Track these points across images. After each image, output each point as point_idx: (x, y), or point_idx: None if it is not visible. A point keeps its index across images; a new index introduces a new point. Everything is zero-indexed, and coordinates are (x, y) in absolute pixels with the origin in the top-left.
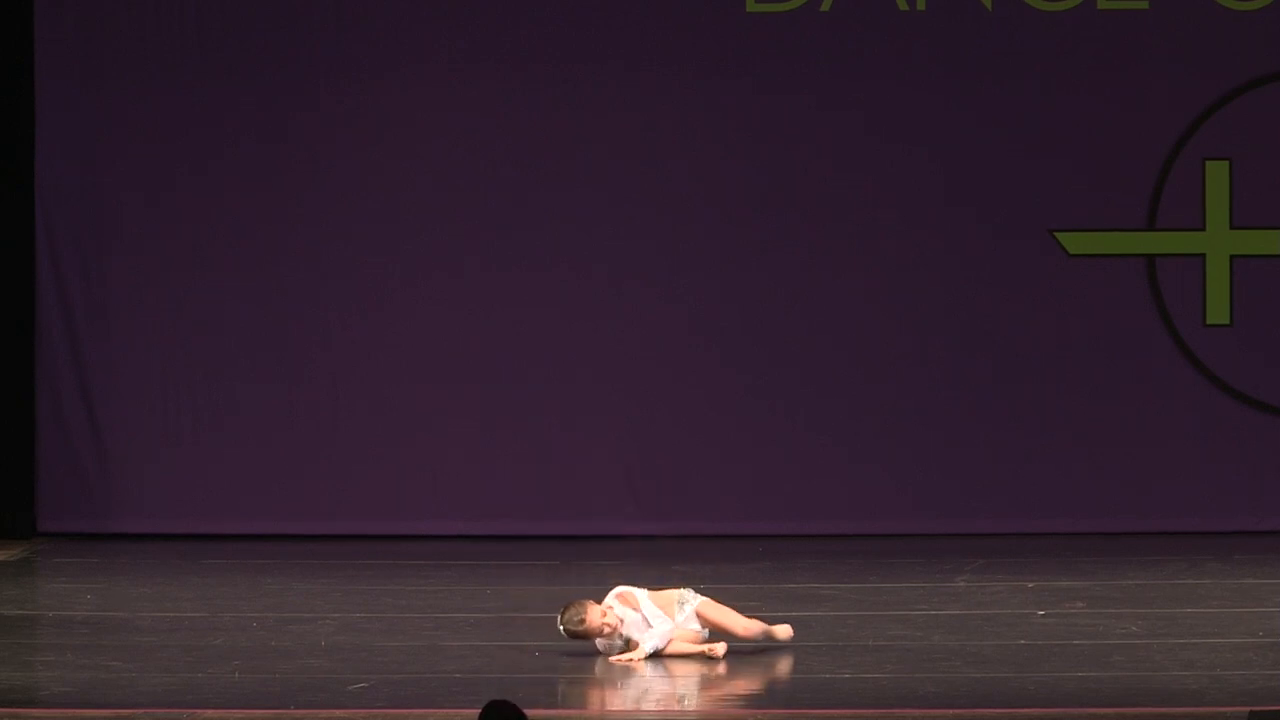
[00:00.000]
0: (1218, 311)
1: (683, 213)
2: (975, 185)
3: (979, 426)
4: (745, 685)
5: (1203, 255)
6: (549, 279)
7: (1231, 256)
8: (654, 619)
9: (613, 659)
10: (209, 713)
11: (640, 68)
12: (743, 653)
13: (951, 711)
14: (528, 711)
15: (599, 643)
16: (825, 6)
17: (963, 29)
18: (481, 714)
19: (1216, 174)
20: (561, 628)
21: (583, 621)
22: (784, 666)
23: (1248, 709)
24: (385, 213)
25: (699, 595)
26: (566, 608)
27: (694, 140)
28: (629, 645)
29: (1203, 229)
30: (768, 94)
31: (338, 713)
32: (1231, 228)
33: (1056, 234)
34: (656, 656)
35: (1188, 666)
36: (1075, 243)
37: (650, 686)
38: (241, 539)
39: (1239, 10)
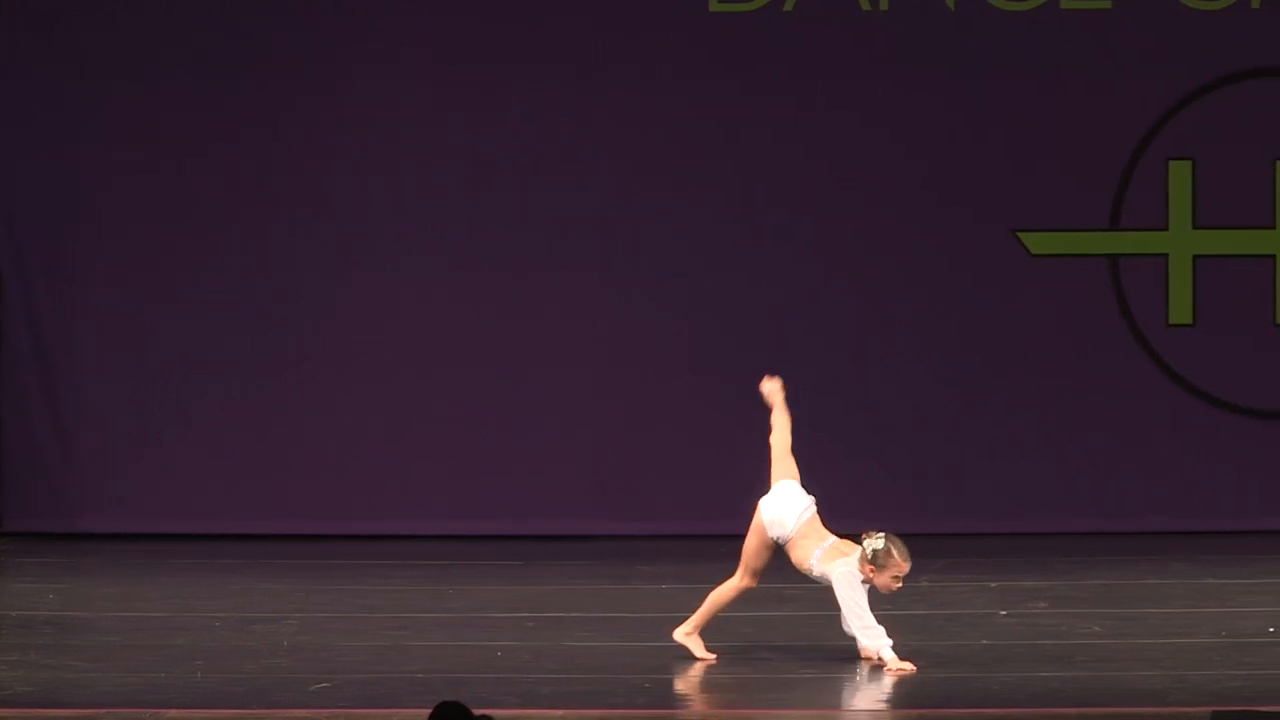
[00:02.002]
0: (1180, 311)
1: (651, 213)
2: (938, 185)
3: (940, 427)
4: (709, 684)
5: (1166, 255)
6: (516, 281)
7: (1195, 256)
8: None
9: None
10: (172, 713)
11: (602, 68)
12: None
13: (915, 711)
14: (490, 711)
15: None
16: (788, 6)
17: (925, 29)
18: (431, 715)
19: (1180, 174)
20: (895, 549)
21: (900, 565)
22: (748, 666)
23: (1210, 709)
24: (355, 214)
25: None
26: (903, 544)
27: (659, 140)
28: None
29: (1166, 229)
30: (730, 94)
31: (300, 712)
32: (1195, 228)
33: (1019, 234)
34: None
35: (1151, 666)
36: (1038, 243)
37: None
38: (205, 539)
39: (1202, 10)
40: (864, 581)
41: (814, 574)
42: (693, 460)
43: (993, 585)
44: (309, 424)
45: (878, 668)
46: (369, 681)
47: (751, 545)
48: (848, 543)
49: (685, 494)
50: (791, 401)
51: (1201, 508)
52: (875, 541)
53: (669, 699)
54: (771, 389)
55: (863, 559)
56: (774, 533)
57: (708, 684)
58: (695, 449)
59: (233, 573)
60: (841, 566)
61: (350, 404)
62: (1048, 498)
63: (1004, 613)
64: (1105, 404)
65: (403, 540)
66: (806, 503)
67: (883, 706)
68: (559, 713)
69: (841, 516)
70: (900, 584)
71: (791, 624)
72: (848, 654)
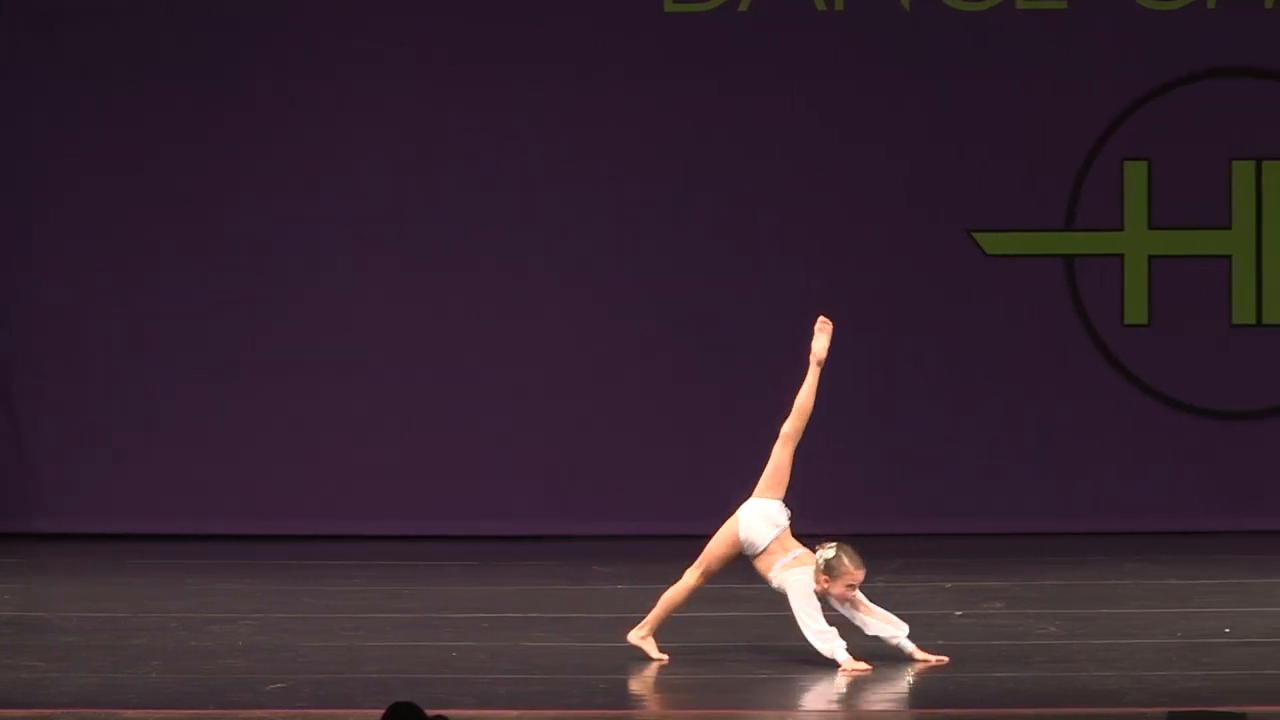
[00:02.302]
0: (1136, 312)
1: (609, 213)
2: (893, 185)
3: (895, 427)
4: (665, 684)
5: (1121, 255)
6: (471, 278)
7: (1150, 257)
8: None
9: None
10: (129, 713)
11: (557, 69)
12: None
13: (871, 712)
14: (446, 712)
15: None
16: (743, 7)
17: (881, 29)
18: (384, 716)
19: (1135, 174)
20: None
21: (852, 573)
22: (705, 666)
23: (1167, 709)
24: (311, 214)
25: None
26: (855, 552)
27: (614, 141)
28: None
29: (1121, 229)
30: (686, 95)
31: (257, 713)
32: (1150, 228)
33: (974, 234)
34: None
35: (1107, 667)
36: (993, 243)
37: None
38: (162, 539)
39: (1158, 10)
40: (819, 591)
41: (773, 585)
42: (648, 461)
43: (948, 586)
44: (266, 425)
45: (833, 668)
46: (325, 682)
47: (719, 550)
48: (810, 554)
49: (641, 495)
50: (747, 400)
51: (1157, 508)
52: (826, 552)
53: (625, 699)
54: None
55: (817, 570)
56: (746, 548)
57: (664, 684)
58: (651, 450)
59: (190, 573)
60: (795, 577)
61: (308, 405)
62: (1004, 498)
63: (960, 613)
64: (1061, 404)
65: (359, 541)
66: (783, 522)
67: (837, 707)
68: (515, 713)
69: (797, 517)
70: (855, 591)
71: (747, 624)
72: (803, 654)
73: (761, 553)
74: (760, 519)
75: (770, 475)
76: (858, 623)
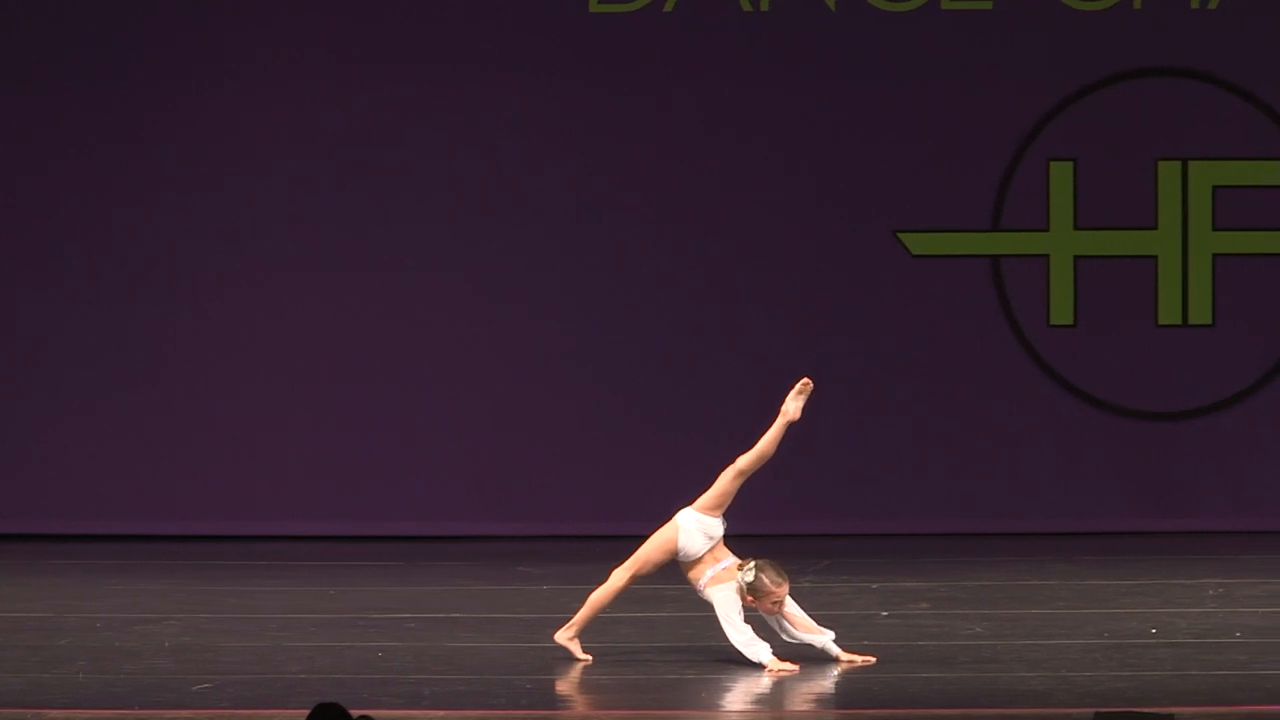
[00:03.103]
0: (1061, 312)
1: (529, 213)
2: (819, 185)
3: (821, 428)
4: (592, 685)
5: (1047, 256)
6: (393, 280)
7: (1076, 257)
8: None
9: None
10: (54, 713)
11: (480, 67)
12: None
13: (796, 712)
14: (371, 712)
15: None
16: (669, 7)
17: (807, 29)
18: (309, 716)
19: (1061, 175)
20: (766, 577)
21: (774, 590)
22: (631, 667)
23: (1093, 710)
24: (233, 213)
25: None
26: (777, 569)
27: (540, 141)
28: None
29: (1047, 230)
30: (612, 94)
31: (182, 713)
32: (1076, 228)
33: (900, 235)
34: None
35: (1033, 667)
36: (919, 243)
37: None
38: (87, 539)
39: (1084, 10)
40: (746, 606)
41: (701, 594)
42: (571, 461)
43: (874, 586)
44: (189, 425)
45: (759, 668)
46: (251, 682)
47: (653, 555)
48: (739, 566)
49: (564, 495)
50: (669, 401)
51: (1083, 509)
52: (746, 575)
53: (551, 700)
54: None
55: (740, 590)
56: (680, 555)
57: (590, 685)
58: (574, 450)
59: (114, 574)
60: (721, 593)
61: (231, 405)
62: (929, 498)
63: (885, 613)
64: (987, 405)
65: (284, 541)
66: (718, 535)
67: (762, 708)
68: (441, 714)
69: (734, 514)
70: (781, 605)
71: (672, 625)
72: (729, 655)
73: (694, 561)
74: (698, 531)
75: (714, 497)
76: (780, 631)
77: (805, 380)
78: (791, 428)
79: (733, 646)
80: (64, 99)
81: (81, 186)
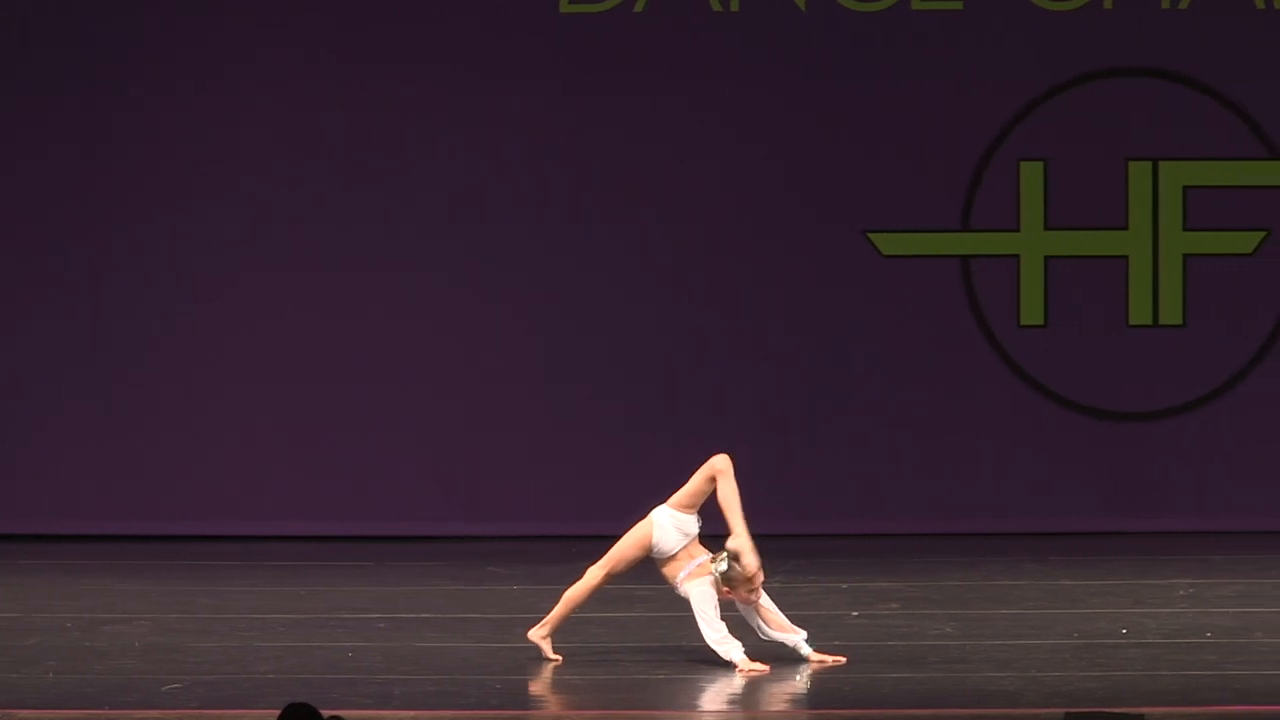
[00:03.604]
0: (1032, 312)
1: (502, 212)
2: (789, 185)
3: (792, 428)
4: (562, 685)
5: (1018, 256)
6: (368, 280)
7: (1046, 257)
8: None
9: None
10: (23, 713)
11: (451, 67)
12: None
13: (766, 712)
14: (341, 712)
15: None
16: (639, 7)
17: (776, 30)
18: (280, 717)
19: (1031, 175)
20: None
21: (748, 578)
22: (601, 667)
23: (1063, 710)
24: (207, 214)
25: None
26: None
27: (511, 141)
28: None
29: (1017, 230)
30: (582, 95)
31: (152, 713)
32: (1046, 229)
33: (870, 235)
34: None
35: (1003, 668)
36: (889, 243)
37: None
38: (56, 539)
39: (1054, 11)
40: (724, 599)
41: (678, 591)
42: (542, 461)
43: (844, 586)
44: (160, 425)
45: (730, 668)
46: (221, 682)
47: (628, 552)
48: (712, 559)
49: (535, 495)
50: (638, 400)
51: (1054, 509)
52: (720, 564)
53: (521, 700)
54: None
55: (716, 583)
56: (655, 553)
57: (561, 685)
58: (545, 450)
59: (84, 574)
60: (698, 588)
61: (201, 405)
62: (899, 498)
63: (855, 613)
64: (957, 405)
65: (254, 541)
66: (694, 531)
67: (734, 707)
68: (410, 714)
69: (703, 514)
70: (759, 593)
71: (642, 625)
72: (699, 655)
73: (669, 558)
74: (673, 527)
75: (687, 495)
76: (756, 629)
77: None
78: (761, 430)
79: (706, 645)
80: (39, 98)
81: (64, 188)
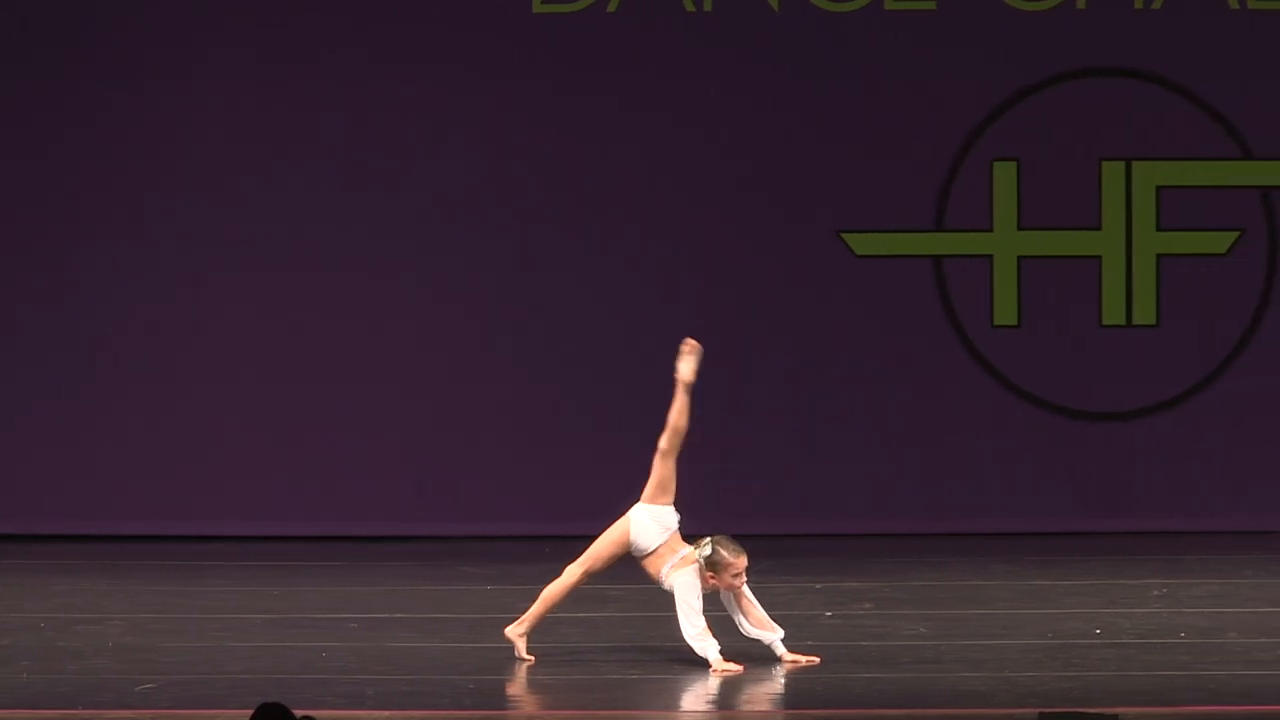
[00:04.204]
0: (1005, 313)
1: (473, 213)
2: (763, 185)
3: (765, 428)
4: (534, 685)
5: (991, 256)
6: (337, 280)
7: (1020, 258)
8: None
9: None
10: None
11: (424, 67)
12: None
13: (736, 713)
14: (313, 712)
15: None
16: (612, 7)
17: (750, 30)
18: (253, 716)
19: (1004, 175)
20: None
21: (733, 563)
22: (573, 667)
23: (1037, 710)
24: (177, 213)
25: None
26: (735, 542)
27: (482, 141)
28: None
29: (991, 230)
30: (555, 94)
31: (125, 713)
32: (1019, 229)
33: (843, 235)
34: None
35: (976, 668)
36: (862, 244)
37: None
38: (28, 539)
39: (1027, 11)
40: (709, 589)
41: (664, 586)
42: (514, 462)
43: (818, 586)
44: (132, 424)
45: (703, 668)
46: (194, 682)
47: (606, 550)
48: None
49: (508, 495)
50: (609, 401)
51: (1027, 509)
52: (703, 550)
53: (494, 700)
54: (689, 359)
55: (700, 570)
56: (635, 550)
57: (533, 685)
58: (516, 450)
59: (57, 574)
60: (682, 579)
61: (172, 405)
62: (872, 499)
63: (829, 614)
64: (930, 406)
65: (226, 541)
66: (673, 525)
67: (707, 708)
68: (383, 714)
69: None
70: (743, 579)
71: (614, 625)
72: (671, 655)
73: (651, 554)
74: (651, 521)
75: (655, 485)
76: (738, 624)
77: (689, 341)
78: (735, 430)
79: (683, 641)
80: (6, 95)
81: (31, 185)
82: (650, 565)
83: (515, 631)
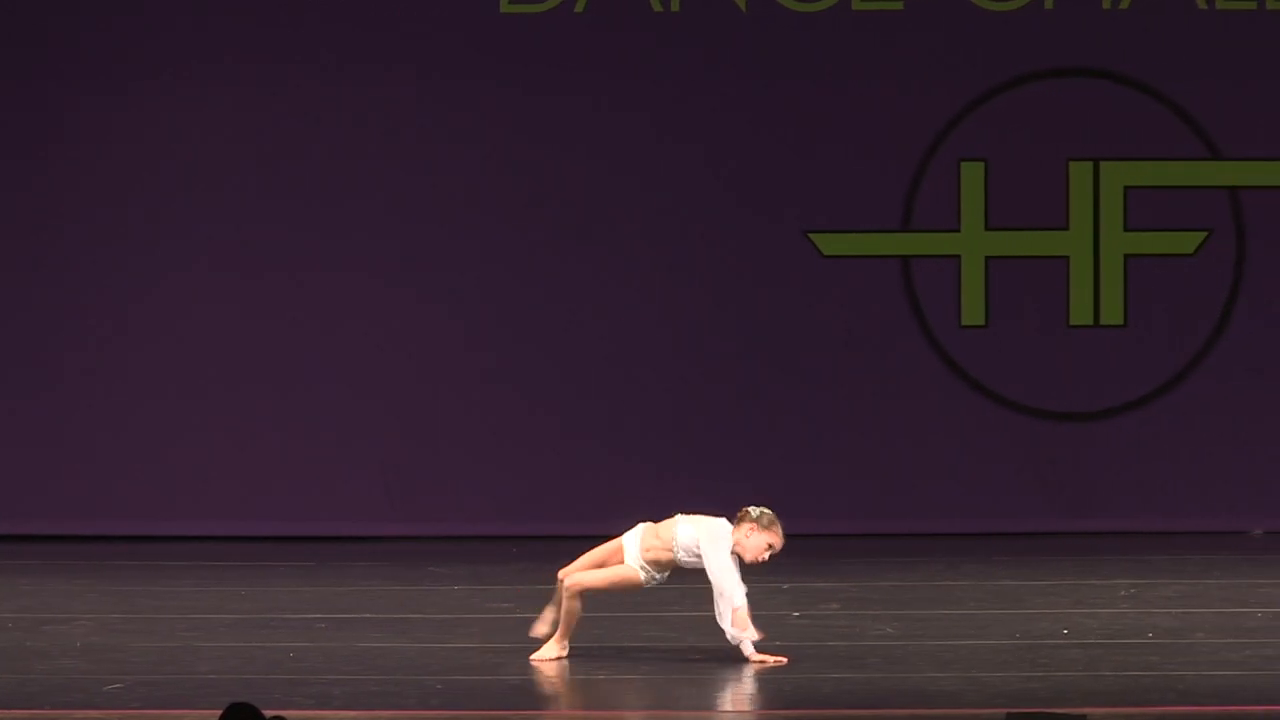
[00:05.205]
0: (973, 313)
1: (441, 214)
2: (729, 186)
3: (732, 428)
4: (502, 685)
5: (958, 256)
6: (304, 281)
7: (987, 258)
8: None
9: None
10: None
11: (391, 68)
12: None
13: (706, 713)
14: (283, 712)
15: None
16: (580, 8)
17: (718, 30)
18: (222, 716)
19: (972, 175)
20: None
21: (777, 535)
22: (546, 668)
23: (1005, 711)
24: (146, 216)
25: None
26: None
27: (451, 141)
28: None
29: (958, 230)
30: (523, 95)
31: (93, 713)
32: (987, 229)
33: (810, 235)
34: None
35: (944, 668)
36: (829, 244)
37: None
38: None
39: (994, 11)
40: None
41: (678, 557)
42: (481, 462)
43: (785, 587)
44: (99, 426)
45: (669, 666)
46: (162, 682)
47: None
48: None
49: (475, 496)
50: (576, 402)
51: (994, 509)
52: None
53: (461, 700)
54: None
55: (745, 518)
56: (646, 581)
57: (503, 686)
58: (483, 451)
59: (24, 573)
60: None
61: (140, 406)
62: (840, 499)
63: (797, 614)
64: (898, 406)
65: (194, 541)
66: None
67: (676, 708)
68: (351, 714)
69: (625, 519)
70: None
71: (585, 625)
72: (641, 655)
73: (650, 553)
74: (631, 558)
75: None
76: (717, 614)
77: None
78: (701, 430)
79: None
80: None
81: (15, 184)
82: (650, 555)
83: (555, 651)
